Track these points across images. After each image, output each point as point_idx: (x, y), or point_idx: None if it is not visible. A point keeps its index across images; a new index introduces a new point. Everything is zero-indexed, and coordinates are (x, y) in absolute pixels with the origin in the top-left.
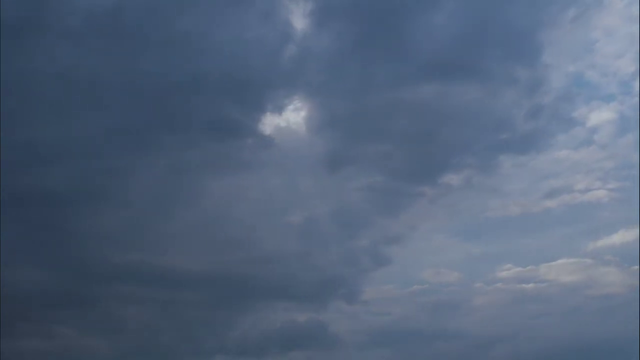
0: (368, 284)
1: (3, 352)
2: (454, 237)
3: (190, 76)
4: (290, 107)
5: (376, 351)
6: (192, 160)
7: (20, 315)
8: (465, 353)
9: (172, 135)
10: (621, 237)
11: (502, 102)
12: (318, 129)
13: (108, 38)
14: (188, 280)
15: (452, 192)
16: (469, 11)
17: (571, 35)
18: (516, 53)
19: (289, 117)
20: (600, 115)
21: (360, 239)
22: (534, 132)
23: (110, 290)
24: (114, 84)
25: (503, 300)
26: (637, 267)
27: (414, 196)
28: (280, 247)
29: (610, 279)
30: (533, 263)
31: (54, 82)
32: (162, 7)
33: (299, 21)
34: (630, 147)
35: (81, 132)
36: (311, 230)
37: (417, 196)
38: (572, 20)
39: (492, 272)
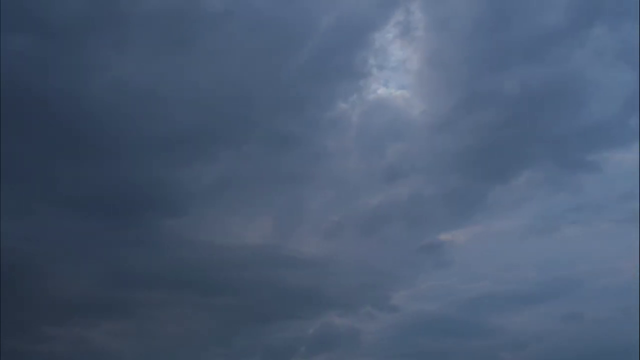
0: (425, 281)
1: (25, 354)
2: (529, 233)
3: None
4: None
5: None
6: (244, 172)
7: (48, 320)
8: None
9: (225, 147)
10: None
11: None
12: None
13: (164, 47)
14: (224, 286)
15: (531, 187)
16: None
17: None
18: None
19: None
20: None
21: (424, 237)
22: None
23: (145, 296)
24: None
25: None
26: None
27: (489, 193)
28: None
29: None
30: (610, 261)
31: (107, 89)
32: (217, 16)
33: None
34: None
35: (132, 140)
36: (375, 230)
37: (493, 192)
38: None
39: (558, 270)
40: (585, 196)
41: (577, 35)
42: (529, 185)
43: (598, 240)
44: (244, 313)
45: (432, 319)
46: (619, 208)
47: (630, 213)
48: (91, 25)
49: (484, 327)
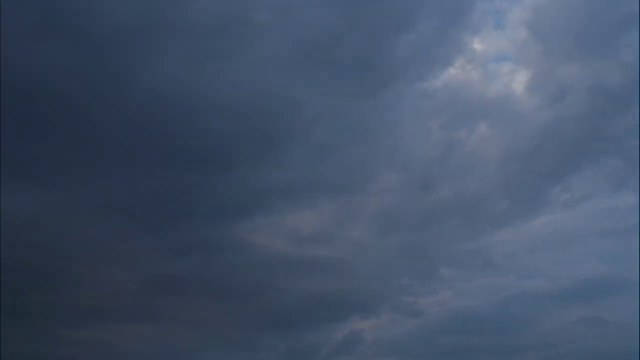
0: (473, 280)
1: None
2: (590, 231)
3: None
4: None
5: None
6: (272, 183)
7: (70, 324)
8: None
9: (254, 156)
10: None
11: None
12: None
13: (205, 58)
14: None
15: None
16: None
17: None
18: None
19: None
20: None
21: (479, 234)
22: None
23: (170, 300)
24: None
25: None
26: None
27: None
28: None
29: None
30: None
31: (140, 95)
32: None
33: None
34: None
35: (169, 148)
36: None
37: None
38: None
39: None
40: None
41: None
42: (592, 182)
43: None
44: (269, 317)
45: (466, 317)
46: None
47: None
48: (136, 34)
49: (516, 325)
